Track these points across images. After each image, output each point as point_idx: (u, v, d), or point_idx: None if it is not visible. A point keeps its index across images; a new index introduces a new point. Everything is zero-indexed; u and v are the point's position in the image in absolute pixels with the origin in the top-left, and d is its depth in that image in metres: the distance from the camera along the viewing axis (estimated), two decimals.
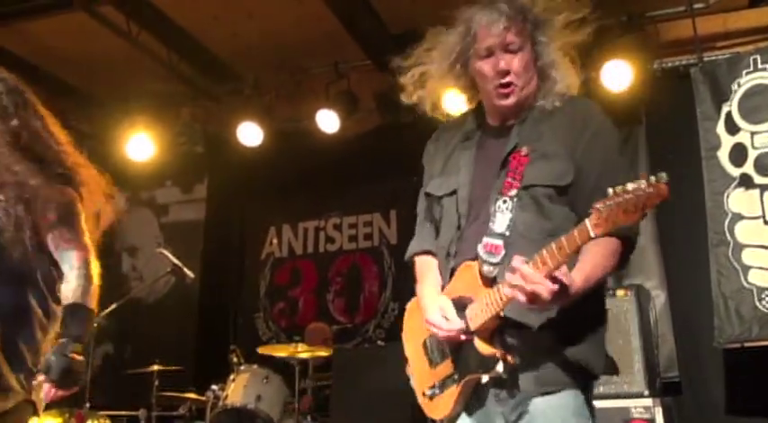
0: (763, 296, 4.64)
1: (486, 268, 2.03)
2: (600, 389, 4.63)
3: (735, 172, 4.90)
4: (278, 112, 6.48)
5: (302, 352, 5.10)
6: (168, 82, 6.39)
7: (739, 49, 5.41)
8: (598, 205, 1.68)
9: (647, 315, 4.92)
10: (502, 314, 1.97)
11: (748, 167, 4.86)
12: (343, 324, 6.62)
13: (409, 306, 2.37)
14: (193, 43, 6.07)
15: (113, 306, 5.21)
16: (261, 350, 5.35)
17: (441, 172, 2.28)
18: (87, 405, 4.98)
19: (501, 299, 1.93)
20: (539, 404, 1.99)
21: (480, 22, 2.13)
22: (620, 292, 4.82)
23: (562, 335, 2.00)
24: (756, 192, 4.81)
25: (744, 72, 4.98)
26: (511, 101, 2.14)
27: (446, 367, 2.15)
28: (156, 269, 5.75)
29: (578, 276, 1.87)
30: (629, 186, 1.64)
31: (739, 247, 4.78)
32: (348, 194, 6.94)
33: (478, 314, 2.01)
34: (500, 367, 1.97)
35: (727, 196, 4.89)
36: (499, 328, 2.01)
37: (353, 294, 6.74)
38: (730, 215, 4.85)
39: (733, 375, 5.03)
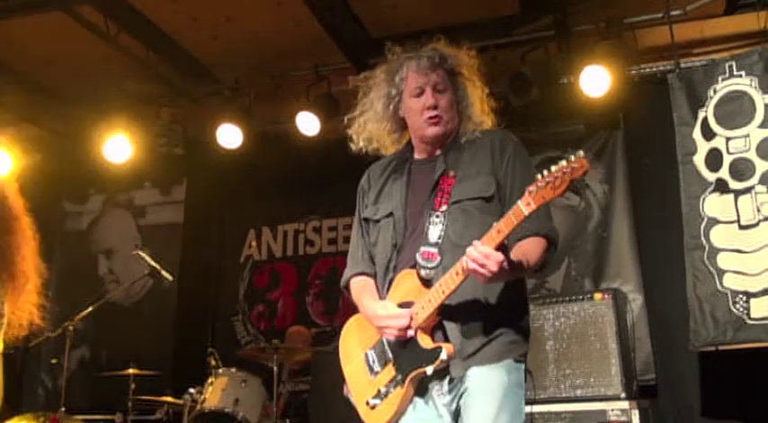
0: (737, 300, 4.70)
1: (423, 272, 2.29)
2: (577, 392, 4.67)
3: (710, 177, 4.97)
4: (258, 115, 6.46)
5: (281, 356, 5.08)
6: (147, 83, 6.34)
7: (715, 55, 5.48)
8: (530, 188, 1.97)
9: (624, 318, 4.96)
10: (440, 307, 2.21)
11: (723, 172, 4.92)
12: (322, 327, 6.61)
13: (345, 327, 2.60)
14: (173, 45, 6.03)
15: (89, 309, 5.18)
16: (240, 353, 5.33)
17: (374, 201, 2.59)
18: (63, 409, 4.94)
19: (443, 291, 2.19)
20: (474, 377, 2.21)
21: (410, 66, 2.48)
22: (597, 296, 4.86)
23: (491, 322, 2.26)
24: (731, 196, 4.87)
25: (720, 78, 5.04)
26: (438, 129, 2.45)
27: (387, 373, 2.35)
28: (134, 272, 5.71)
29: (514, 257, 2.15)
30: (553, 168, 1.91)
31: (714, 252, 4.84)
32: (328, 197, 6.93)
33: (420, 312, 2.25)
34: (443, 355, 2.18)
35: (703, 201, 4.95)
36: (438, 323, 2.26)
37: (333, 297, 6.73)
38: (706, 219, 4.91)
39: (708, 378, 5.09)
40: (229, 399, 4.90)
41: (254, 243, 7.12)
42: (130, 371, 5.30)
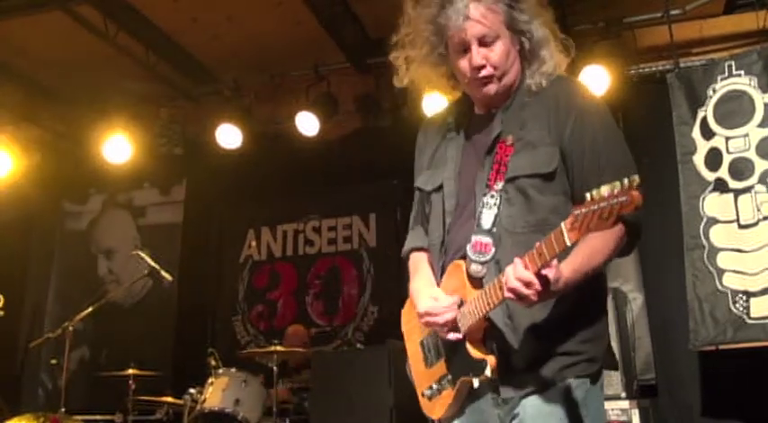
0: (737, 299, 4.70)
1: (473, 267, 2.00)
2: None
3: (710, 176, 4.97)
4: (257, 115, 6.46)
5: (281, 354, 5.08)
6: (147, 83, 6.34)
7: (714, 55, 5.48)
8: (576, 211, 1.64)
9: (624, 318, 4.97)
10: (487, 316, 1.95)
11: (723, 172, 4.92)
12: (322, 327, 6.61)
13: (406, 306, 2.33)
14: (172, 45, 6.04)
15: (89, 309, 5.18)
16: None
17: (429, 164, 2.25)
18: (63, 409, 4.94)
19: (488, 303, 1.90)
20: (527, 407, 1.96)
21: (449, 17, 2.03)
22: None
23: (552, 337, 1.97)
24: (731, 196, 4.87)
25: (719, 78, 5.05)
26: (492, 88, 2.07)
27: (441, 367, 2.14)
28: (133, 272, 5.71)
29: (566, 268, 1.83)
30: (604, 192, 1.59)
31: (714, 251, 4.84)
32: (327, 197, 6.94)
33: (467, 316, 1.99)
34: (488, 371, 1.95)
35: (703, 200, 4.95)
36: (489, 332, 2.00)
37: (332, 297, 6.73)
38: (705, 219, 4.91)
39: (708, 377, 5.09)
40: (230, 399, 4.89)
41: (253, 243, 7.12)
42: (130, 371, 5.30)
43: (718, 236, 4.86)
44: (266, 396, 5.06)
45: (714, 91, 5.05)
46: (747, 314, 4.66)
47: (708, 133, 5.03)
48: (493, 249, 1.96)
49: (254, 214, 7.22)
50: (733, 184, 4.87)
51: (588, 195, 1.62)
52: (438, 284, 2.13)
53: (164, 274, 5.36)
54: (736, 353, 4.69)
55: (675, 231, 5.04)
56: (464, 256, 2.03)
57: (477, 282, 2.00)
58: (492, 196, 2.00)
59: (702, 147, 5.03)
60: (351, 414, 4.53)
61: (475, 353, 1.99)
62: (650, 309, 5.56)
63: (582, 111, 2.01)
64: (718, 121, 5.00)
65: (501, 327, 1.96)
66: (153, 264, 5.36)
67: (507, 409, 2.00)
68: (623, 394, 4.58)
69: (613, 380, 4.62)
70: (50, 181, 7.21)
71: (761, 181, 4.77)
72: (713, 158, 4.97)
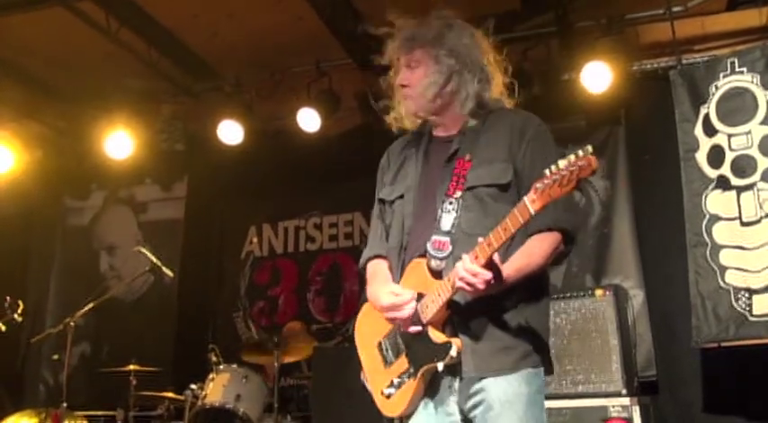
0: (739, 296, 4.69)
1: (434, 263, 2.22)
2: (578, 388, 4.67)
3: (712, 173, 4.96)
4: (259, 111, 6.46)
5: (284, 357, 5.09)
6: (148, 79, 6.34)
7: (717, 51, 5.47)
8: (537, 184, 1.87)
9: (624, 315, 4.96)
10: (450, 302, 2.15)
11: (725, 169, 4.91)
12: (324, 323, 6.62)
13: (361, 312, 2.53)
14: (173, 41, 6.03)
15: (91, 305, 5.18)
16: (245, 357, 5.33)
17: (392, 180, 2.51)
18: (64, 405, 4.95)
19: (449, 289, 2.11)
20: (491, 389, 2.15)
21: (393, 46, 2.44)
22: (598, 292, 4.86)
23: (507, 319, 2.19)
24: (733, 193, 4.86)
25: (721, 75, 5.03)
26: (408, 104, 2.41)
27: (401, 364, 2.29)
28: (135, 268, 5.71)
29: (509, 267, 2.10)
30: (561, 164, 1.82)
31: (717, 248, 4.83)
32: (329, 193, 6.93)
33: (429, 305, 2.18)
34: (453, 352, 2.13)
35: (705, 197, 4.95)
36: (449, 317, 2.19)
37: (334, 293, 6.73)
38: (708, 216, 4.90)
39: (710, 375, 5.08)
40: (231, 395, 4.90)
41: (254, 239, 7.12)
42: (131, 367, 5.31)
43: (720, 233, 4.86)
44: (267, 392, 5.06)
45: (716, 88, 5.04)
46: (750, 311, 4.65)
47: (710, 130, 5.02)
48: (450, 247, 2.20)
49: (255, 210, 7.22)
50: (735, 181, 4.85)
51: (547, 170, 1.85)
52: (398, 283, 2.32)
53: (165, 270, 5.36)
54: (739, 350, 4.69)
55: (677, 228, 5.03)
56: (423, 254, 2.26)
57: (437, 275, 2.21)
58: (451, 203, 2.25)
59: (705, 144, 5.02)
60: (351, 409, 4.54)
61: (439, 338, 2.18)
62: (651, 305, 5.56)
63: (534, 136, 2.31)
64: (721, 118, 4.98)
65: (463, 309, 2.17)
66: (154, 260, 5.36)
67: (465, 393, 2.18)
68: (624, 391, 4.58)
69: (614, 377, 4.62)
70: (52, 177, 7.22)
71: (763, 178, 4.75)
72: (716, 156, 4.96)
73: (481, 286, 2.00)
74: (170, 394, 5.36)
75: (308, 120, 6.08)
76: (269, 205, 7.15)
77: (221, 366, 5.14)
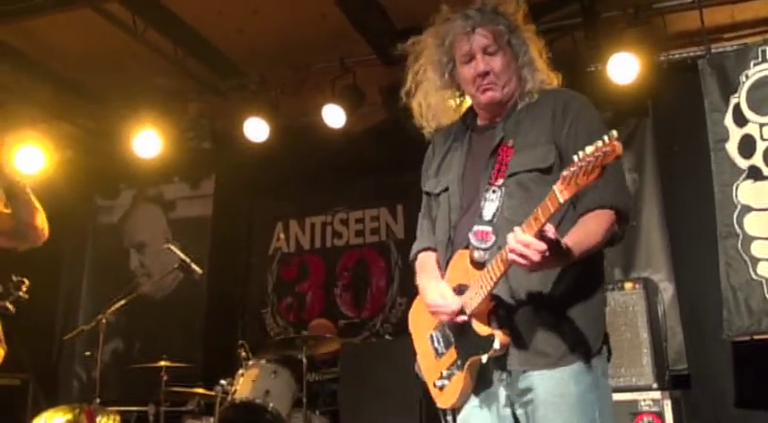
0: None
1: (477, 254, 2.17)
2: (609, 382, 4.63)
3: (743, 164, 4.88)
4: (284, 108, 6.48)
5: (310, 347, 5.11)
6: (175, 78, 6.39)
7: (747, 40, 5.38)
8: (564, 172, 1.81)
9: (655, 308, 4.91)
10: (493, 293, 2.10)
11: (757, 159, 4.84)
12: (351, 318, 6.64)
13: (414, 303, 2.47)
14: (199, 40, 6.07)
15: (122, 302, 5.24)
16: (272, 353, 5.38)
17: (436, 173, 2.45)
18: (97, 400, 5.02)
19: (491, 279, 2.05)
20: (538, 388, 2.09)
21: (456, 29, 2.31)
22: (627, 285, 4.81)
23: (554, 311, 2.11)
24: (765, 183, 4.79)
25: (752, 63, 4.95)
26: (494, 95, 2.28)
27: (450, 356, 2.26)
28: (164, 265, 5.77)
29: (569, 240, 1.98)
30: (588, 150, 1.75)
31: (748, 240, 4.76)
32: (355, 189, 6.94)
33: (473, 297, 2.13)
34: (496, 344, 2.08)
35: (736, 188, 4.87)
36: (494, 309, 2.14)
37: (361, 289, 6.75)
38: (739, 207, 4.83)
39: (742, 368, 5.02)
40: (260, 390, 4.94)
41: (281, 235, 7.16)
42: (162, 363, 5.36)
43: (752, 224, 4.79)
44: (296, 387, 5.09)
45: (747, 77, 4.96)
46: None
47: (741, 120, 4.94)
48: (493, 237, 2.13)
49: (282, 207, 7.26)
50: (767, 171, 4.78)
51: (575, 156, 1.78)
52: (443, 277, 2.30)
53: (194, 267, 5.41)
54: None
55: (707, 220, 4.97)
56: (467, 246, 2.20)
57: (480, 267, 2.15)
58: (494, 191, 2.18)
59: (735, 134, 4.94)
60: (380, 405, 4.55)
61: (482, 330, 2.13)
62: (681, 298, 5.49)
63: (578, 113, 2.22)
64: (752, 107, 4.91)
65: (507, 301, 2.12)
66: (183, 257, 5.42)
67: (516, 389, 2.13)
68: (655, 385, 4.54)
69: (645, 370, 4.57)
70: (82, 176, 7.31)
71: None
72: (747, 146, 4.89)
73: (536, 258, 1.87)
74: (200, 390, 5.41)
75: (333, 116, 6.09)
76: (295, 201, 7.19)
77: (250, 362, 5.17)
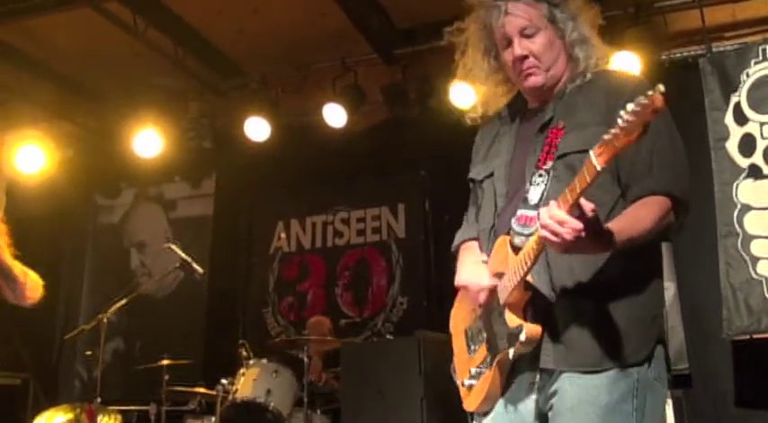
0: None
1: (517, 240, 1.95)
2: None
3: (744, 162, 4.88)
4: (285, 107, 6.48)
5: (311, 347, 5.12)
6: (175, 77, 6.40)
7: (748, 39, 5.37)
8: (605, 135, 1.61)
9: None
10: (532, 284, 1.90)
11: (757, 158, 4.84)
12: (352, 318, 6.64)
13: (456, 301, 2.32)
14: (200, 39, 6.08)
15: (123, 302, 5.25)
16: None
17: (483, 158, 2.28)
18: (98, 400, 5.02)
19: (527, 262, 1.85)
20: (567, 391, 1.88)
21: (491, 14, 2.12)
22: None
23: (597, 307, 1.88)
24: (765, 182, 4.79)
25: (752, 62, 4.95)
26: (536, 80, 2.10)
27: (481, 352, 2.10)
28: (165, 264, 5.77)
29: (613, 225, 1.78)
30: (629, 107, 1.57)
31: (748, 239, 4.76)
32: (356, 188, 6.94)
33: (507, 285, 1.94)
34: (523, 336, 1.86)
35: (737, 187, 4.87)
36: (531, 300, 1.93)
37: (362, 288, 6.75)
38: (739, 206, 4.83)
39: (743, 367, 5.01)
40: (261, 389, 4.94)
41: (282, 235, 7.15)
42: (163, 362, 5.37)
43: (752, 223, 4.79)
44: (297, 387, 5.09)
45: (748, 76, 4.96)
46: None
47: (741, 119, 4.94)
48: (537, 222, 1.82)
49: (283, 206, 7.26)
50: None
51: (619, 119, 1.58)
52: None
53: (195, 266, 5.41)
54: None
55: (707, 219, 4.96)
56: (509, 232, 2.00)
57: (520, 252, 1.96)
58: (540, 175, 1.97)
59: (736, 133, 4.94)
60: (381, 405, 4.55)
61: (513, 321, 1.91)
62: (683, 297, 5.49)
63: (633, 95, 1.89)
64: (753, 106, 4.91)
65: (546, 292, 1.91)
66: (184, 256, 5.42)
67: (546, 393, 1.93)
68: None
69: None
70: (83, 176, 7.32)
71: None
72: (747, 144, 4.89)
73: (569, 237, 1.68)
74: (201, 389, 5.41)
75: (334, 115, 6.09)
76: (296, 201, 7.19)
77: (251, 361, 5.18)
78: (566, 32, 2.10)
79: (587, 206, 1.69)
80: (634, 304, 1.90)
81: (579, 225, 1.68)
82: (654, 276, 1.98)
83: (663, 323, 1.96)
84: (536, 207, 1.92)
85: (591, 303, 1.89)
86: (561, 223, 1.69)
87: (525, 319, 1.91)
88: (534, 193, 1.95)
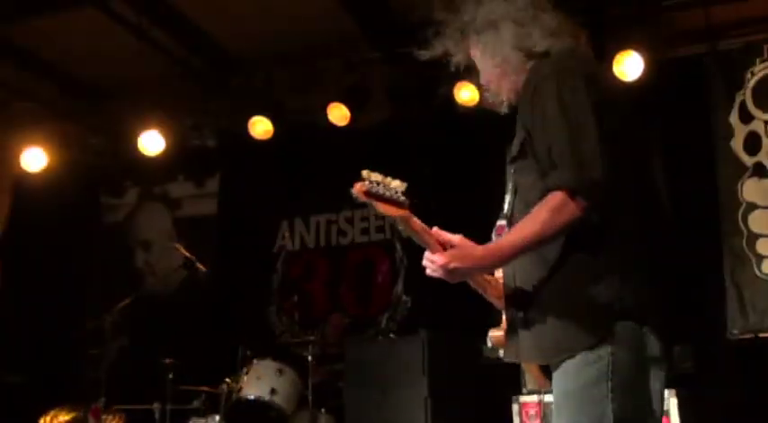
0: None
1: None
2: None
3: (748, 161, 4.88)
4: (289, 106, 6.49)
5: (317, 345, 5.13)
6: (179, 77, 6.41)
7: (752, 37, 5.36)
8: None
9: None
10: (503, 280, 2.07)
11: (762, 156, 4.83)
12: (356, 317, 6.64)
13: None
14: (204, 38, 6.09)
15: (127, 301, 5.26)
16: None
17: None
18: (103, 399, 5.03)
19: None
20: (553, 382, 1.95)
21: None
22: None
23: (546, 302, 1.92)
24: None
25: (757, 60, 4.95)
26: (499, 109, 2.18)
27: None
28: (170, 263, 5.79)
29: (493, 243, 1.94)
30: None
31: (753, 237, 4.76)
32: None
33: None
34: (489, 343, 2.07)
35: (741, 185, 4.87)
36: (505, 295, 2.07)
37: (366, 287, 6.75)
38: (744, 205, 4.83)
39: (747, 366, 5.01)
40: (265, 388, 4.95)
41: (286, 234, 7.16)
42: (168, 361, 5.38)
43: (756, 222, 4.78)
44: (301, 386, 5.10)
45: (752, 74, 4.96)
46: None
47: (746, 117, 4.94)
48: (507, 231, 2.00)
49: (287, 205, 7.26)
50: None
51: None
52: None
53: (198, 265, 5.42)
54: None
55: (712, 217, 4.96)
56: None
57: None
58: (510, 183, 2.08)
59: (741, 131, 4.94)
60: (386, 403, 4.56)
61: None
62: (687, 296, 5.47)
63: (534, 92, 1.95)
64: (757, 104, 4.91)
65: (510, 285, 2.02)
66: (188, 255, 5.43)
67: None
68: None
69: None
70: (87, 175, 7.33)
71: None
72: (752, 143, 4.88)
73: (439, 274, 1.89)
74: (206, 388, 5.42)
75: (338, 114, 6.10)
76: (300, 200, 7.19)
77: (255, 360, 5.18)
78: (494, 55, 2.10)
79: (439, 235, 2.01)
80: (579, 288, 1.87)
81: (438, 259, 1.88)
82: (603, 260, 1.88)
83: (625, 299, 1.86)
84: (507, 217, 2.04)
85: (540, 296, 1.92)
86: (432, 262, 1.91)
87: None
88: (507, 203, 2.06)
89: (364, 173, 2.03)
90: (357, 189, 2.01)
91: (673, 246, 2.04)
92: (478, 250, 1.91)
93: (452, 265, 1.86)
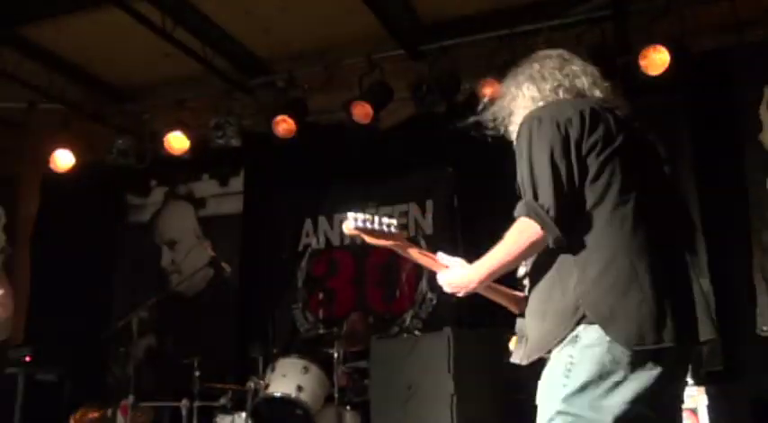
0: None
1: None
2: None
3: None
4: (312, 105, 6.50)
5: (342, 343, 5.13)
6: (203, 76, 6.45)
7: None
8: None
9: None
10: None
11: None
12: (381, 314, 6.64)
13: None
14: (227, 38, 6.13)
15: (154, 299, 5.31)
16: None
17: None
18: (131, 396, 5.09)
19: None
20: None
21: None
22: None
23: (535, 299, 2.19)
24: None
25: None
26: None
27: None
28: (196, 262, 5.83)
29: (474, 264, 2.24)
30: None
31: None
32: (384, 185, 6.92)
33: None
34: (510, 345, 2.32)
35: None
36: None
37: (390, 284, 6.74)
38: None
39: None
40: (292, 385, 4.97)
41: (311, 232, 7.18)
42: (195, 359, 5.42)
43: None
44: (327, 383, 5.12)
45: None
46: None
47: None
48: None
49: (310, 203, 7.27)
50: None
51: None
52: None
53: (223, 264, 5.46)
54: None
55: (740, 212, 4.89)
56: None
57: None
58: None
59: None
60: (411, 401, 4.55)
61: None
62: (716, 292, 5.41)
63: (517, 145, 2.21)
64: None
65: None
66: (214, 254, 5.47)
67: None
68: (690, 381, 4.48)
69: None
70: (113, 175, 7.40)
71: None
72: None
73: (448, 289, 2.37)
74: (233, 385, 5.46)
75: (361, 112, 6.10)
76: (324, 198, 7.20)
77: (281, 358, 5.21)
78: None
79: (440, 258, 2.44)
80: (553, 296, 2.11)
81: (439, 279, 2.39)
82: (579, 265, 2.07)
83: (595, 304, 2.04)
84: None
85: (534, 296, 2.20)
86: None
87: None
88: None
89: (350, 214, 2.36)
90: (345, 226, 2.36)
91: (692, 253, 2.28)
92: (466, 270, 2.29)
93: (448, 288, 2.34)
